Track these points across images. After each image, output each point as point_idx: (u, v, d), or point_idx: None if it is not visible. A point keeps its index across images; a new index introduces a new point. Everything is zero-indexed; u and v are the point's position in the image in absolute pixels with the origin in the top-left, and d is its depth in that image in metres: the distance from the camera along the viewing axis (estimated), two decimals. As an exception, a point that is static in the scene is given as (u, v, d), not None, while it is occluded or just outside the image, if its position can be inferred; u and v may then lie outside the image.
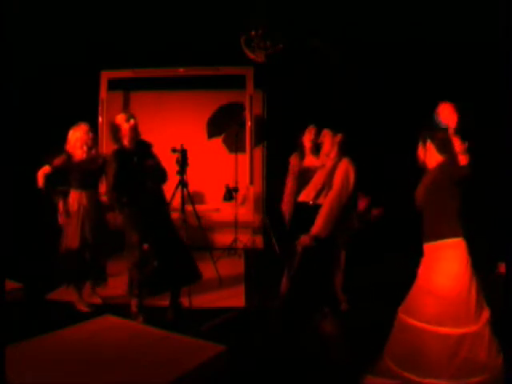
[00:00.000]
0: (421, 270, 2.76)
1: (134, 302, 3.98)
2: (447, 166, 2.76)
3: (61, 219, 4.44)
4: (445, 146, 2.80)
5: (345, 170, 3.71)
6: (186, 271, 4.07)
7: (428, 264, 2.73)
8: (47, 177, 4.22)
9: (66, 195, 4.38)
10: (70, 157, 4.31)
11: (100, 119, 7.01)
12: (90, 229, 4.31)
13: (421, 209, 2.83)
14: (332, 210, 3.56)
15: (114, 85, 7.09)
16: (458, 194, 2.73)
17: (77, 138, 4.30)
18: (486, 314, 2.63)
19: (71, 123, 4.45)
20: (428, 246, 2.75)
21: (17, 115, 5.35)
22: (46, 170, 4.23)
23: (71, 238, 4.29)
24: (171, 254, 3.96)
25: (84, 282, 4.46)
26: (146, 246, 3.82)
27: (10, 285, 3.33)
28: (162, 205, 4.11)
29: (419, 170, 3.07)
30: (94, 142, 4.46)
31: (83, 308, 4.31)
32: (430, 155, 2.86)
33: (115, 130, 4.00)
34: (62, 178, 4.37)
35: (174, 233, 4.11)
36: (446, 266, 2.64)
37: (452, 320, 2.56)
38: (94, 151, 4.39)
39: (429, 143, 2.86)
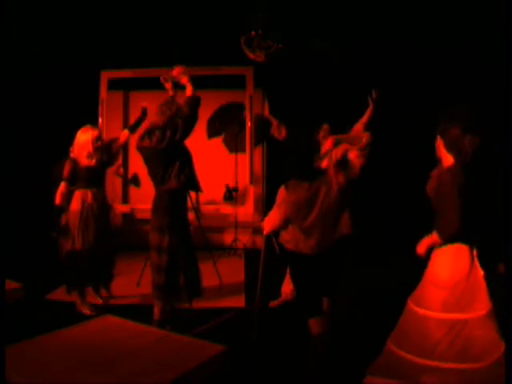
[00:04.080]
0: (430, 262, 2.84)
1: (157, 308, 3.74)
2: (454, 171, 2.68)
3: (63, 219, 4.40)
4: (455, 145, 2.68)
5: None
6: (195, 286, 3.96)
7: (434, 257, 2.82)
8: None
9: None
10: (75, 162, 4.22)
11: (100, 119, 7.00)
12: (96, 228, 4.22)
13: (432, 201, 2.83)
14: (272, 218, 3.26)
15: (114, 85, 7.09)
16: (463, 201, 2.62)
17: (84, 143, 4.21)
18: (486, 305, 2.72)
19: (71, 123, 4.43)
20: None
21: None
22: (63, 187, 4.19)
23: (76, 238, 4.19)
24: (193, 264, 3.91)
25: (90, 284, 4.40)
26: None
27: (10, 285, 3.32)
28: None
29: (422, 168, 3.04)
30: (100, 147, 4.32)
31: (86, 311, 4.24)
32: (442, 151, 2.77)
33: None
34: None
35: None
36: (446, 261, 2.74)
37: (451, 308, 2.68)
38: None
39: (439, 139, 2.78)
